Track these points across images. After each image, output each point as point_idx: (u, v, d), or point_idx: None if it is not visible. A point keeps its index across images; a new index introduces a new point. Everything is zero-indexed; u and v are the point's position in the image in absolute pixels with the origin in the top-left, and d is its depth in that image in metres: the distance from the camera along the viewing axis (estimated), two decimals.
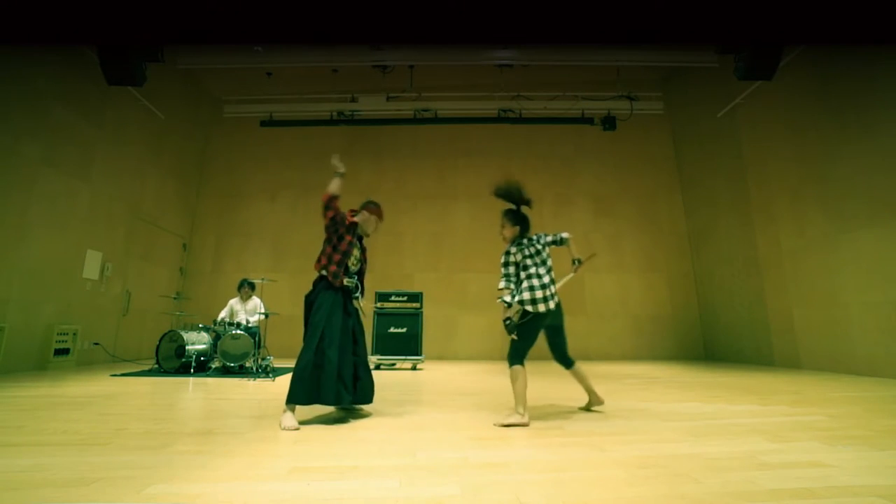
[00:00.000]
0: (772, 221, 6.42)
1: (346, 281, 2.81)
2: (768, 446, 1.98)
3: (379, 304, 6.26)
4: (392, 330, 6.11)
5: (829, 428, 2.34)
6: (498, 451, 1.93)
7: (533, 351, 2.63)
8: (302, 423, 2.41)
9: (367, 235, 3.03)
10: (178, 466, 1.67)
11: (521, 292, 2.58)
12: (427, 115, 7.65)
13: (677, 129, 8.91)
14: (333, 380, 2.47)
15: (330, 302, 2.64)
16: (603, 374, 5.09)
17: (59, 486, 1.45)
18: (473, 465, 1.72)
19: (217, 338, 5.23)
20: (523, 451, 1.93)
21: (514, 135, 8.75)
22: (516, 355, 2.57)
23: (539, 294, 2.55)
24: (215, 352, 5.11)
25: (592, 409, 2.88)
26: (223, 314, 5.60)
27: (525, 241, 2.73)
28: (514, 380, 2.53)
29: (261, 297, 5.81)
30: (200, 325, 5.38)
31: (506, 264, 2.68)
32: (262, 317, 5.33)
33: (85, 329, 5.83)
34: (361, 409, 2.92)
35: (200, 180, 8.80)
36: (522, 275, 2.63)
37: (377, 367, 5.96)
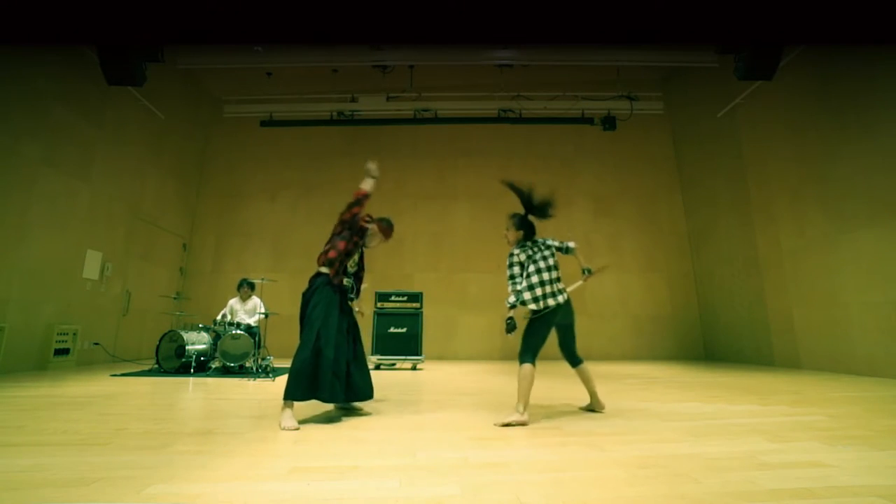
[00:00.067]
0: (772, 221, 6.42)
1: (344, 280, 2.82)
2: (768, 446, 1.98)
3: (379, 305, 6.26)
4: (392, 330, 6.11)
5: (829, 428, 2.34)
6: (498, 451, 1.93)
7: (542, 351, 2.63)
8: (302, 422, 2.41)
9: (367, 247, 3.06)
10: (178, 466, 1.67)
11: (523, 291, 2.59)
12: (427, 115, 7.65)
13: (677, 129, 8.91)
14: (329, 377, 2.47)
15: (326, 300, 2.64)
16: (603, 374, 5.08)
17: (59, 486, 1.45)
18: (473, 465, 1.72)
19: (217, 338, 5.23)
20: (523, 451, 1.93)
21: (514, 135, 8.75)
22: (526, 352, 2.58)
23: (539, 292, 2.57)
24: (215, 352, 5.11)
25: (592, 410, 2.88)
26: (223, 314, 5.60)
27: (529, 242, 2.76)
28: (520, 377, 2.53)
29: (261, 297, 5.81)
30: (200, 325, 5.38)
31: (510, 265, 2.70)
32: (262, 317, 5.34)
33: (85, 329, 5.83)
34: (361, 409, 2.92)
35: (200, 180, 8.80)
36: (525, 273, 2.64)
37: (377, 367, 5.96)
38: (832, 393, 3.66)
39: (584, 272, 2.96)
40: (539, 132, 8.71)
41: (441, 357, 7.75)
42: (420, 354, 6.03)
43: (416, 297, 6.34)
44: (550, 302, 2.57)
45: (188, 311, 6.82)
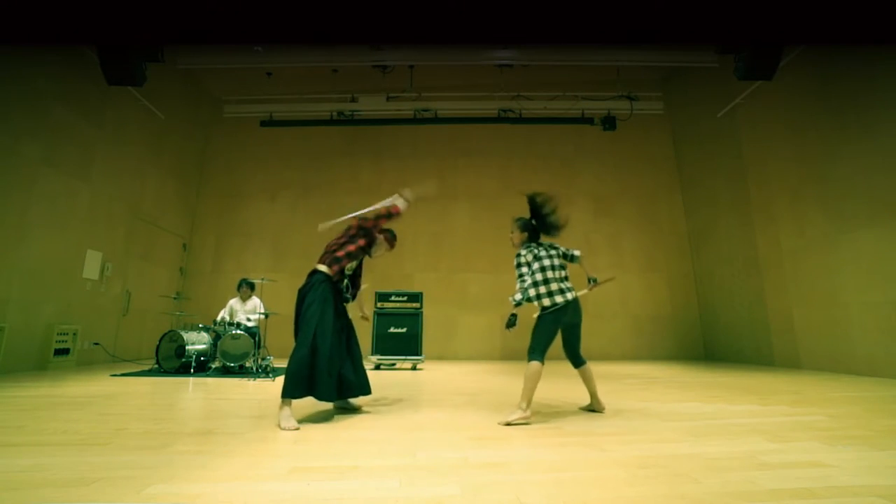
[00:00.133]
0: (772, 221, 6.42)
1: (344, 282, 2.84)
2: (768, 446, 1.98)
3: (379, 305, 6.26)
4: (392, 330, 6.11)
5: (829, 428, 2.34)
6: (498, 451, 1.93)
7: None
8: (301, 422, 2.42)
9: (370, 256, 3.09)
10: (178, 466, 1.67)
11: (530, 287, 2.63)
12: (427, 115, 7.65)
13: (677, 129, 8.91)
14: (326, 375, 2.48)
15: (322, 298, 2.65)
16: (603, 374, 5.08)
17: (59, 486, 1.45)
18: (473, 465, 1.72)
19: (217, 338, 5.23)
20: (523, 451, 1.94)
21: (514, 135, 8.75)
22: (535, 350, 2.59)
23: (543, 289, 2.61)
24: (215, 352, 5.11)
25: (593, 410, 2.89)
26: (223, 314, 5.60)
27: (534, 244, 2.80)
28: (527, 375, 2.54)
29: (261, 298, 5.81)
30: (200, 325, 5.38)
31: (518, 266, 2.73)
32: (262, 317, 5.34)
33: (85, 329, 5.83)
34: (360, 408, 2.93)
35: (200, 180, 8.80)
36: (531, 272, 2.68)
37: (377, 367, 5.96)
38: (832, 393, 3.66)
39: (589, 281, 2.98)
40: (539, 132, 8.71)
41: (441, 357, 7.75)
42: (420, 354, 6.03)
43: (416, 297, 6.34)
44: (559, 299, 2.60)
45: (188, 311, 6.82)
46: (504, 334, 7.93)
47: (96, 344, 6.01)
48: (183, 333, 5.01)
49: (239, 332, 5.04)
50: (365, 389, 2.85)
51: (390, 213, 2.94)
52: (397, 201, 2.97)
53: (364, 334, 5.27)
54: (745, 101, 6.83)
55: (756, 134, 6.79)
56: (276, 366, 5.12)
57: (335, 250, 2.84)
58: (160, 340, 5.01)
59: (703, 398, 3.40)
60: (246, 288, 5.66)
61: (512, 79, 7.47)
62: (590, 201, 8.67)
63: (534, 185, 9.19)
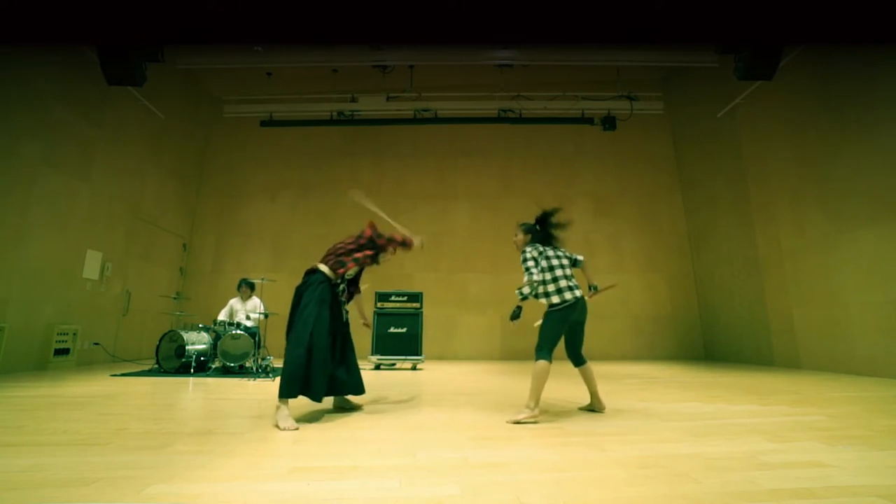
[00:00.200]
0: (772, 221, 6.42)
1: (340, 285, 2.86)
2: (768, 446, 1.98)
3: (379, 305, 6.26)
4: (392, 330, 6.11)
5: (829, 428, 2.35)
6: (498, 451, 1.93)
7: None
8: (301, 422, 2.42)
9: (378, 263, 3.12)
10: (178, 466, 1.67)
11: (540, 284, 2.67)
12: (427, 115, 7.65)
13: (677, 129, 8.91)
14: (321, 375, 2.49)
15: (319, 299, 2.65)
16: (603, 374, 5.08)
17: (59, 486, 1.45)
18: (473, 465, 1.72)
19: (217, 338, 5.23)
20: (523, 451, 1.94)
21: (514, 135, 8.75)
22: (542, 348, 2.60)
23: (552, 287, 2.66)
24: (215, 352, 5.11)
25: (593, 410, 2.89)
26: (223, 314, 5.60)
27: (539, 244, 2.84)
28: (535, 374, 2.55)
29: (261, 297, 5.81)
30: (200, 325, 5.38)
31: (524, 261, 2.75)
32: (262, 317, 5.34)
33: (85, 329, 5.83)
34: (359, 406, 2.94)
35: (200, 180, 8.80)
36: (540, 269, 2.70)
37: (377, 367, 5.96)
38: (832, 393, 3.66)
39: (590, 289, 3.00)
40: (539, 132, 8.71)
41: (441, 357, 7.75)
42: (420, 354, 6.03)
43: (416, 297, 6.34)
44: (568, 295, 2.63)
45: (188, 311, 6.82)
46: (504, 334, 7.93)
47: (96, 344, 6.01)
48: (183, 333, 5.01)
49: (239, 332, 5.04)
50: (358, 389, 2.86)
51: (404, 243, 3.00)
52: (414, 238, 3.03)
53: (364, 334, 5.26)
54: (745, 101, 6.83)
55: (756, 134, 6.79)
56: (275, 366, 5.12)
57: (342, 254, 2.84)
58: (160, 340, 5.01)
59: (703, 398, 3.40)
60: (245, 288, 5.66)
61: (512, 79, 7.47)
62: (590, 201, 8.67)
63: (534, 185, 9.21)
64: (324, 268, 2.77)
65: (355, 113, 7.77)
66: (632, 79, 7.81)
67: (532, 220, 2.97)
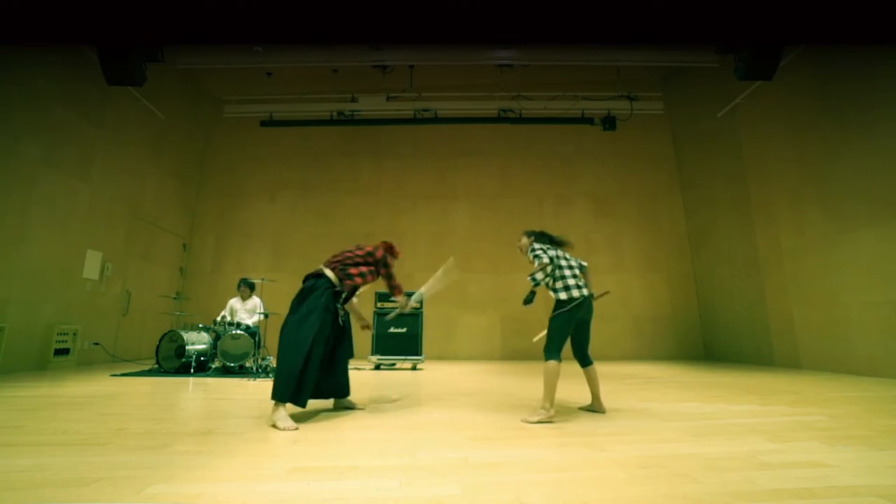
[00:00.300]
0: (772, 221, 6.42)
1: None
2: (768, 446, 1.98)
3: (379, 305, 6.27)
4: (392, 330, 6.11)
5: (829, 428, 2.35)
6: (498, 451, 1.93)
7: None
8: (300, 422, 2.42)
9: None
10: (178, 466, 1.67)
11: (550, 279, 2.70)
12: (427, 115, 7.65)
13: (677, 129, 8.91)
14: (310, 383, 2.50)
15: (324, 307, 2.65)
16: (603, 374, 5.08)
17: (59, 486, 1.45)
18: (473, 465, 1.72)
19: (217, 338, 5.23)
20: (523, 451, 1.94)
21: (514, 135, 8.75)
22: (551, 348, 2.61)
23: (559, 284, 2.69)
24: (215, 352, 5.11)
25: (593, 411, 2.89)
26: (223, 314, 5.60)
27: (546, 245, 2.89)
28: (547, 374, 2.56)
29: (261, 297, 5.81)
30: (200, 325, 5.38)
31: (532, 250, 2.79)
32: (262, 317, 5.34)
33: (85, 329, 5.83)
34: (363, 406, 2.94)
35: (200, 180, 8.80)
36: (549, 259, 2.74)
37: (377, 367, 5.96)
38: (832, 393, 3.66)
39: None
40: (539, 132, 8.71)
41: (441, 357, 7.75)
42: (420, 354, 6.03)
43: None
44: (576, 293, 2.65)
45: (188, 311, 6.82)
46: (504, 334, 7.93)
47: (96, 344, 6.01)
48: (183, 333, 5.01)
49: (239, 332, 5.04)
50: (342, 392, 2.88)
51: (396, 288, 3.06)
52: (399, 297, 3.08)
53: (364, 335, 5.26)
54: (745, 101, 6.83)
55: (756, 134, 6.79)
56: (275, 365, 5.12)
57: (349, 265, 2.83)
58: (160, 340, 5.01)
59: (703, 398, 3.40)
60: (245, 288, 5.65)
61: (512, 79, 7.47)
62: (590, 201, 8.67)
63: (534, 185, 9.22)
64: (329, 273, 2.76)
65: (355, 113, 7.76)
66: (632, 79, 7.81)
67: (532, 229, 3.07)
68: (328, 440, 2.10)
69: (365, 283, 2.90)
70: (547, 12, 3.59)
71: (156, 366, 5.07)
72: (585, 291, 2.70)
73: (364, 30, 3.62)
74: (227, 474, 1.59)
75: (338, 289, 2.76)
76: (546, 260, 2.69)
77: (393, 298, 3.11)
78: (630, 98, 7.45)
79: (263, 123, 7.82)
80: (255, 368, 4.97)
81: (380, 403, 3.15)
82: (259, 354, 5.12)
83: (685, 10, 3.58)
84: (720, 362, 7.10)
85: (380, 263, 2.94)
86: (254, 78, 7.67)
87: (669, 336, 8.01)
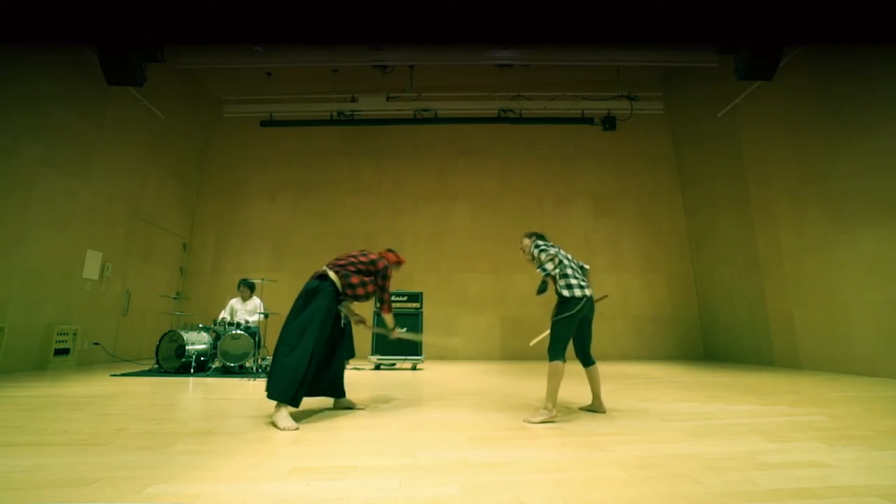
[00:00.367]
0: (772, 221, 6.42)
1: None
2: (768, 446, 1.98)
3: (379, 305, 6.25)
4: None
5: (829, 428, 2.35)
6: (498, 451, 1.93)
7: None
8: (301, 422, 2.42)
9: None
10: (178, 466, 1.67)
11: (556, 276, 2.71)
12: (427, 115, 7.65)
13: (677, 129, 8.91)
14: (308, 385, 2.50)
15: (328, 310, 2.66)
16: (603, 374, 5.06)
17: (59, 486, 1.45)
18: (473, 465, 1.72)
19: (217, 338, 5.23)
20: (523, 451, 1.94)
21: (514, 135, 8.75)
22: (556, 348, 2.61)
23: (562, 282, 2.70)
24: (215, 352, 5.11)
25: (593, 411, 2.89)
26: (224, 314, 5.60)
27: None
28: (551, 374, 2.57)
29: (261, 297, 5.81)
30: (200, 325, 5.38)
31: (537, 246, 2.81)
32: (262, 317, 5.34)
33: (85, 329, 5.83)
34: (363, 407, 2.94)
35: (200, 180, 8.80)
36: (556, 255, 2.76)
37: (377, 367, 5.96)
38: (832, 393, 3.66)
39: None
40: (539, 132, 8.71)
41: (441, 357, 7.75)
42: (420, 354, 6.03)
43: (416, 297, 6.34)
44: (577, 293, 2.66)
45: (188, 311, 6.82)
46: (504, 334, 7.93)
47: (96, 344, 6.01)
48: (183, 333, 5.01)
49: (239, 332, 5.04)
50: (337, 391, 2.88)
51: (386, 304, 3.05)
52: (387, 315, 3.08)
53: (365, 334, 5.26)
54: (745, 101, 6.83)
55: (756, 134, 6.79)
56: (274, 364, 5.12)
57: (352, 273, 2.82)
58: (160, 340, 5.01)
59: (703, 398, 3.40)
60: (245, 289, 5.65)
61: (512, 79, 7.47)
62: (590, 201, 8.66)
63: (534, 185, 9.21)
64: (333, 276, 2.76)
65: (355, 113, 7.76)
66: (632, 79, 7.81)
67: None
68: (328, 440, 2.10)
69: (366, 294, 2.88)
70: (547, 12, 3.59)
71: (156, 366, 5.07)
72: (588, 292, 2.71)
73: (364, 30, 3.62)
74: (227, 474, 1.59)
75: (340, 292, 2.77)
76: (553, 252, 2.72)
77: (381, 313, 3.06)
78: (630, 98, 7.45)
79: (263, 123, 7.82)
80: (255, 368, 4.97)
81: (380, 403, 3.15)
82: (259, 354, 5.12)
83: (685, 10, 3.58)
84: (720, 362, 7.10)
85: (379, 274, 2.93)
86: (254, 78, 7.67)
87: (669, 336, 8.01)
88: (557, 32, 3.80)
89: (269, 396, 2.43)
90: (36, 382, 4.08)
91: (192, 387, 3.98)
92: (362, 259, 2.92)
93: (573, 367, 2.90)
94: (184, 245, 8.30)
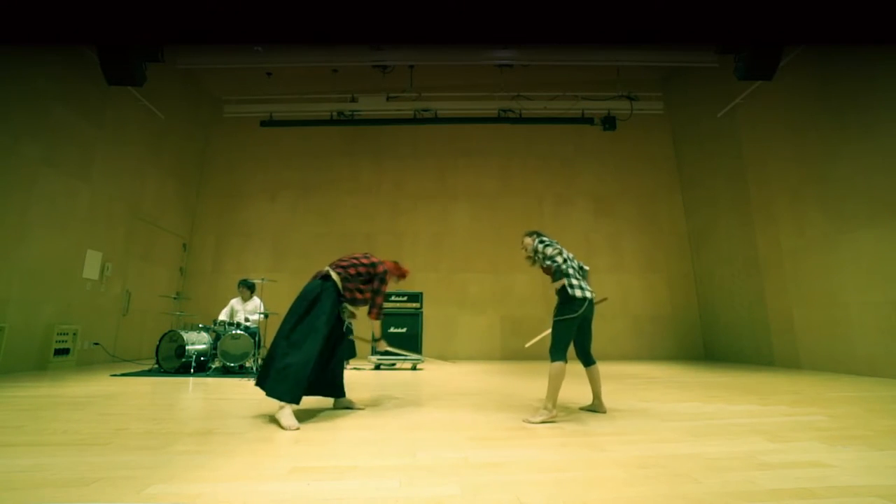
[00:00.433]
0: (772, 221, 6.42)
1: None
2: (768, 446, 1.98)
3: None
4: (392, 330, 6.10)
5: (829, 428, 2.35)
6: (498, 451, 1.93)
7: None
8: (301, 422, 2.41)
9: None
10: (178, 466, 1.67)
11: (564, 276, 2.71)
12: (427, 115, 7.64)
13: (677, 129, 8.91)
14: (307, 384, 2.50)
15: (331, 311, 2.68)
16: (603, 375, 5.06)
17: (59, 486, 1.45)
18: (473, 465, 1.72)
19: (217, 338, 5.23)
20: (523, 451, 1.94)
21: (514, 135, 8.75)
22: (557, 349, 2.61)
23: (574, 282, 2.69)
24: (215, 352, 5.11)
25: (594, 411, 2.90)
26: (224, 314, 5.60)
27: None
28: (552, 375, 2.57)
29: (261, 297, 5.81)
30: (200, 325, 5.38)
31: (541, 241, 2.81)
32: (262, 317, 5.34)
33: (85, 329, 5.82)
34: (360, 407, 2.94)
35: (200, 180, 8.80)
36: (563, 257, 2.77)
37: (377, 367, 5.96)
38: (832, 393, 3.66)
39: None
40: (539, 132, 8.71)
41: (441, 357, 7.75)
42: (420, 354, 6.02)
43: (416, 297, 6.34)
44: (577, 293, 2.66)
45: (188, 311, 6.82)
46: (504, 334, 7.93)
47: (96, 344, 6.01)
48: (183, 333, 5.01)
49: (239, 332, 5.04)
50: (336, 391, 2.89)
51: (373, 305, 2.96)
52: (375, 320, 2.98)
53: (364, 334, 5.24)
54: (745, 101, 6.83)
55: (756, 134, 6.79)
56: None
57: (353, 277, 2.82)
58: (160, 340, 5.01)
59: (703, 398, 3.40)
60: (245, 289, 5.65)
61: (512, 79, 7.47)
62: (590, 201, 8.66)
63: (534, 185, 9.20)
64: (335, 277, 2.78)
65: (355, 113, 7.76)
66: (632, 79, 7.81)
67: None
68: (328, 440, 2.10)
69: (364, 300, 2.88)
70: (547, 12, 3.59)
71: (156, 366, 5.07)
72: (589, 294, 2.71)
73: (364, 30, 3.62)
74: (227, 474, 1.59)
75: (341, 294, 2.78)
76: (559, 247, 2.72)
77: (369, 317, 2.95)
78: (630, 98, 7.45)
79: (263, 123, 7.82)
80: (255, 368, 4.97)
81: (380, 403, 3.15)
82: (259, 354, 5.12)
83: (685, 10, 3.58)
84: (720, 362, 7.10)
85: (376, 277, 2.91)
86: (254, 78, 7.67)
87: (669, 336, 8.01)
88: (557, 32, 3.80)
89: (275, 396, 2.43)
90: (36, 382, 4.08)
91: (192, 387, 3.98)
92: (364, 261, 2.92)
93: (573, 367, 2.89)
94: (184, 245, 8.30)
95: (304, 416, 2.59)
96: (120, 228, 6.61)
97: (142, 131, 7.10)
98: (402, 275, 3.13)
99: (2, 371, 4.62)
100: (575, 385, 3.79)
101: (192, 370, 4.93)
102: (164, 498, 1.37)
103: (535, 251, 2.81)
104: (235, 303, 5.69)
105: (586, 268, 2.95)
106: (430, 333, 6.99)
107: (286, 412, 2.37)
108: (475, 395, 3.57)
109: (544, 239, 2.83)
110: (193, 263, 8.38)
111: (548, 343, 2.72)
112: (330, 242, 8.24)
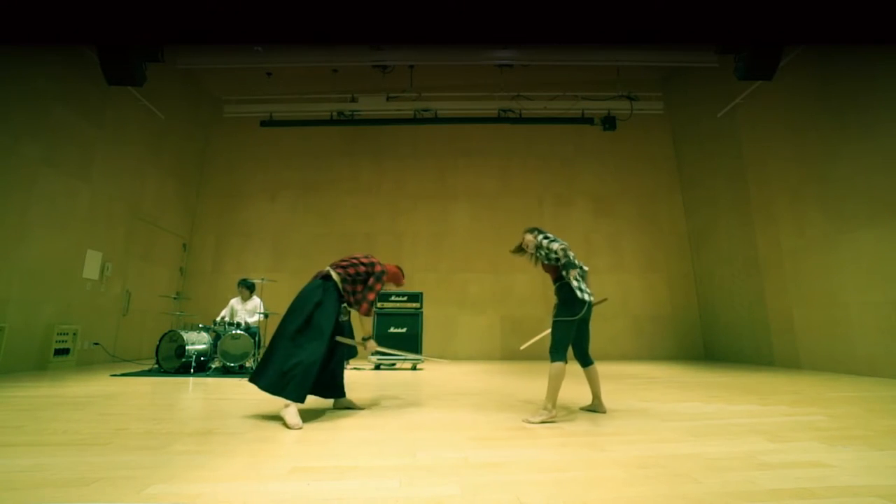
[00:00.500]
0: (772, 221, 6.42)
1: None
2: (768, 446, 1.98)
3: (379, 305, 6.26)
4: (392, 330, 6.10)
5: (829, 428, 2.35)
6: (498, 451, 1.93)
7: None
8: (301, 422, 2.41)
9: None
10: (178, 466, 1.67)
11: (572, 268, 2.69)
12: (427, 115, 7.65)
13: (677, 129, 8.91)
14: (312, 383, 2.52)
15: (334, 311, 2.71)
16: (603, 374, 5.06)
17: (59, 486, 1.45)
18: (473, 465, 1.72)
19: (217, 338, 5.23)
20: (523, 451, 1.94)
21: (514, 135, 8.75)
22: (558, 350, 2.61)
23: (575, 283, 2.68)
24: (215, 352, 5.11)
25: (594, 411, 2.89)
26: (224, 314, 5.60)
27: None
28: (552, 375, 2.56)
29: (261, 297, 5.81)
30: (200, 325, 5.38)
31: (545, 238, 2.76)
32: (262, 317, 5.34)
33: (85, 329, 5.83)
34: (360, 407, 2.94)
35: (200, 180, 8.80)
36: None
37: (377, 367, 5.96)
38: (832, 393, 3.66)
39: None
40: (539, 132, 8.71)
41: (441, 357, 7.74)
42: (420, 354, 6.02)
43: (416, 297, 6.34)
44: (578, 294, 2.65)
45: (188, 311, 6.82)
46: (504, 334, 7.93)
47: (96, 344, 6.01)
48: (183, 333, 5.01)
49: (239, 332, 5.04)
50: (337, 390, 2.90)
51: (363, 297, 2.92)
52: (365, 316, 2.93)
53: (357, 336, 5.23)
54: (745, 101, 6.83)
55: (756, 134, 6.79)
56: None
57: (353, 283, 2.83)
58: (160, 340, 5.01)
59: (703, 398, 3.40)
60: (244, 289, 5.65)
61: (512, 79, 7.47)
62: (590, 201, 8.67)
63: (534, 185, 9.20)
64: (336, 277, 2.79)
65: (355, 113, 7.76)
66: (632, 79, 7.81)
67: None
68: (328, 440, 2.10)
69: (369, 299, 2.90)
70: (547, 12, 3.59)
71: (156, 366, 5.07)
72: (587, 297, 2.70)
73: (364, 30, 3.62)
74: (227, 474, 1.59)
75: (342, 294, 2.80)
76: (565, 243, 2.68)
77: (360, 312, 2.89)
78: (630, 98, 7.45)
79: (263, 123, 7.82)
80: (254, 368, 4.96)
81: (380, 403, 3.15)
82: (259, 354, 5.12)
83: (685, 10, 3.58)
84: (720, 362, 7.10)
85: (373, 275, 2.91)
86: (254, 78, 7.67)
87: (669, 336, 8.01)
88: (557, 32, 3.80)
89: (282, 395, 2.43)
90: (36, 382, 4.08)
91: (192, 387, 3.98)
92: (363, 261, 2.93)
93: (574, 367, 2.90)
94: (184, 245, 8.30)
95: (304, 416, 2.59)
96: (120, 228, 6.62)
97: (142, 131, 7.10)
98: (398, 282, 3.16)
99: (2, 371, 4.62)
100: (575, 385, 3.79)
101: (192, 370, 4.93)
102: (164, 498, 1.37)
103: (539, 247, 2.77)
104: (235, 302, 5.69)
105: (586, 268, 2.94)
106: (430, 333, 6.99)
107: (291, 411, 2.38)
108: (475, 395, 3.57)
109: (548, 235, 2.79)
110: (193, 263, 8.38)
111: (547, 343, 2.72)
112: (330, 242, 8.25)
